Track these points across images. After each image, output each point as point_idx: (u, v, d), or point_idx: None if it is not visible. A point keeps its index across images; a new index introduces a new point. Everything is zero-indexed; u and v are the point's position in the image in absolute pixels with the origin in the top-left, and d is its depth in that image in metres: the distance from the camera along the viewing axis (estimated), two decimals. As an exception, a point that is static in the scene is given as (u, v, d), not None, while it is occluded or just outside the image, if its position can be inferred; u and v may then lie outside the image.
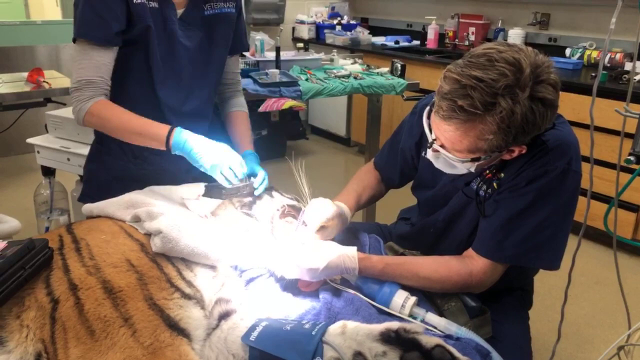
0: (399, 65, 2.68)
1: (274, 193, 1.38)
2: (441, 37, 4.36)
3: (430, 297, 1.19)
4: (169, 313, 0.94)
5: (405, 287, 1.15)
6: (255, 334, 0.95)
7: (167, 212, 1.14)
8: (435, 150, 1.16)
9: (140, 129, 1.34)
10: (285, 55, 2.86)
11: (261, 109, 2.31)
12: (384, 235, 1.54)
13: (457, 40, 4.24)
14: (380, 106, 2.81)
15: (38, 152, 2.34)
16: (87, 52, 1.34)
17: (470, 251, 1.21)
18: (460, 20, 4.21)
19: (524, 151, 1.12)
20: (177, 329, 0.93)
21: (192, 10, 1.47)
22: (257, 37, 2.83)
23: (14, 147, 4.17)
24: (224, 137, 1.65)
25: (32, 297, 0.94)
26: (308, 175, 1.35)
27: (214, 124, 1.67)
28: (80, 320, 0.90)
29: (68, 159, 2.26)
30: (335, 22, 4.80)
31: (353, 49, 4.35)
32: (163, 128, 1.32)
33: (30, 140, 2.37)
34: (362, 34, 4.60)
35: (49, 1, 5.41)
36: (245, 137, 1.60)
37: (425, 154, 1.24)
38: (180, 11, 1.45)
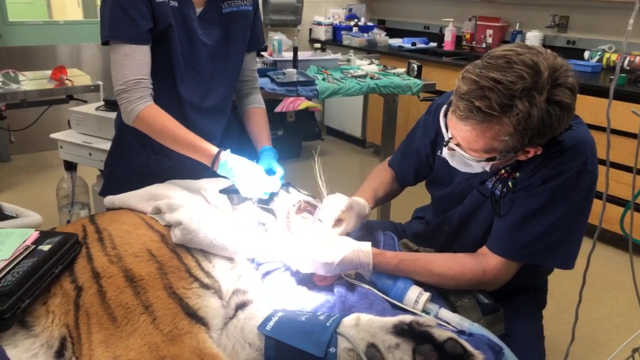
0: (415, 66, 2.69)
1: (291, 189, 1.40)
2: (458, 39, 4.35)
3: (444, 293, 1.20)
4: (187, 302, 0.97)
5: (418, 283, 1.16)
6: (271, 324, 0.97)
7: (187, 205, 1.17)
8: (451, 149, 1.17)
9: (188, 146, 1.37)
10: (302, 55, 2.87)
11: (277, 109, 2.32)
12: (399, 233, 1.55)
13: (474, 42, 4.23)
14: (396, 107, 2.81)
15: (61, 147, 2.41)
16: (127, 52, 1.35)
17: (484, 249, 1.22)
18: (478, 22, 4.20)
19: (539, 152, 1.13)
20: (195, 317, 0.95)
21: (211, 8, 1.50)
22: (275, 37, 2.85)
23: (36, 144, 4.25)
24: (240, 134, 1.68)
25: (58, 284, 0.98)
26: (323, 176, 1.37)
27: (231, 121, 1.70)
28: (102, 307, 0.93)
29: (90, 154, 2.31)
30: (352, 23, 4.81)
31: (370, 50, 4.35)
32: (211, 150, 1.35)
33: (53, 136, 2.44)
34: (379, 35, 4.60)
35: (71, 2, 5.52)
36: (263, 134, 1.62)
37: (441, 152, 1.25)
38: (199, 9, 1.48)
